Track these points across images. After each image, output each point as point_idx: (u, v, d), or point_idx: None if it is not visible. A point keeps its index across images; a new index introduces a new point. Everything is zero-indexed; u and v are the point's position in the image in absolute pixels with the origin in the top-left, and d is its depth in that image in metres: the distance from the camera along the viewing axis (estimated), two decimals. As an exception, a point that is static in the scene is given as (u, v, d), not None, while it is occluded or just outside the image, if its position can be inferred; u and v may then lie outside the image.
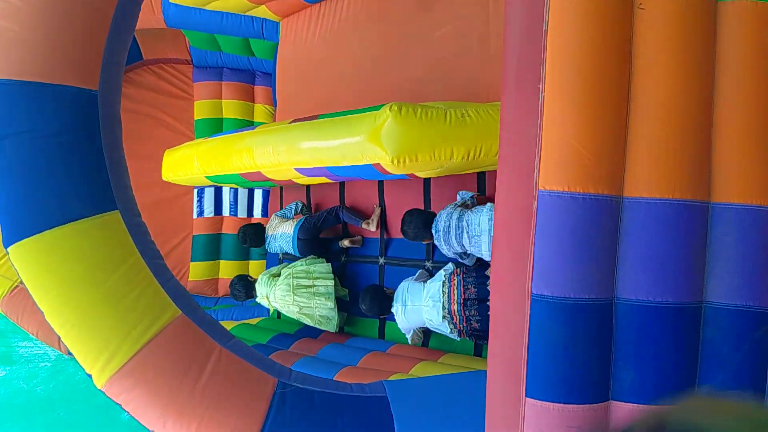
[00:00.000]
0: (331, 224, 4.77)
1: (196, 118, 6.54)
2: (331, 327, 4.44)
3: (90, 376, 2.39)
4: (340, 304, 4.59)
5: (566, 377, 1.77)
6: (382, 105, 3.30)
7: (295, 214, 5.13)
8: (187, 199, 6.63)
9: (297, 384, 2.64)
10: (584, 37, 1.69)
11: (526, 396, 1.78)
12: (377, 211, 4.50)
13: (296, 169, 3.95)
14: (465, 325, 3.24)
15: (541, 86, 1.69)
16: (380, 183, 4.50)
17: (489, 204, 3.39)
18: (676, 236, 1.74)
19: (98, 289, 2.33)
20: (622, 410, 1.80)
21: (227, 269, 6.48)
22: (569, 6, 1.66)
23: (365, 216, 4.64)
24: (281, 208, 5.52)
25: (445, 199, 4.08)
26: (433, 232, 3.57)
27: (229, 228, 6.64)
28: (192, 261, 6.57)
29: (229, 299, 6.37)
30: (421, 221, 3.68)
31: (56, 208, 2.37)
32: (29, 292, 2.47)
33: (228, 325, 5.24)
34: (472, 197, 3.68)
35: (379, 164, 3.41)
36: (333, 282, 4.41)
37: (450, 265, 3.52)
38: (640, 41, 1.72)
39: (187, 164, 4.92)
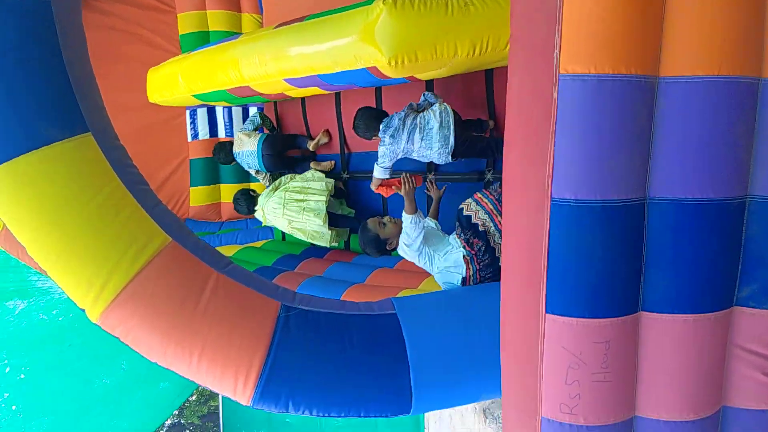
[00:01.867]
0: (290, 141, 4.81)
1: (180, 33, 6.09)
2: (324, 242, 4.33)
3: (83, 311, 2.30)
4: (346, 221, 4.42)
5: (591, 289, 1.57)
6: (374, -1, 2.93)
7: (255, 128, 5.03)
8: (180, 122, 6.34)
9: (301, 306, 2.53)
10: None
11: (546, 312, 1.60)
12: (320, 134, 4.60)
13: (285, 79, 3.63)
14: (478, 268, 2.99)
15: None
16: (378, 91, 4.18)
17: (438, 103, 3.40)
18: (721, 119, 1.47)
19: (79, 217, 2.18)
20: (656, 322, 1.62)
21: (228, 193, 6.28)
22: None
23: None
24: (278, 122, 5.26)
25: (449, 101, 3.76)
26: (382, 126, 3.49)
27: (228, 151, 6.39)
28: (192, 186, 6.38)
29: (234, 224, 6.25)
30: (372, 114, 3.61)
31: (22, 133, 2.16)
32: (7, 227, 2.32)
33: (232, 249, 5.12)
34: (434, 96, 3.53)
35: (375, 68, 3.10)
36: (325, 198, 4.24)
37: (460, 251, 2.97)
38: None
39: (172, 83, 4.60)
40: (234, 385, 2.21)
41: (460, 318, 2.71)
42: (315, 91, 4.00)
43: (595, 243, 1.54)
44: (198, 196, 6.36)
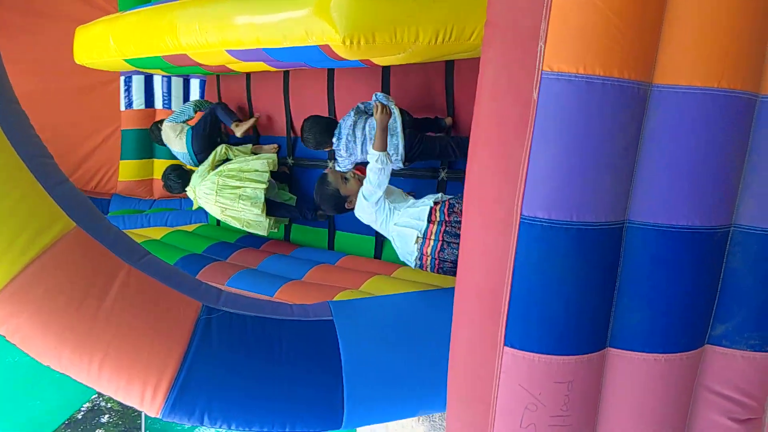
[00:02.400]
0: (218, 126, 4.39)
1: (119, -3, 5.57)
2: (262, 230, 3.96)
3: None
4: (285, 210, 4.09)
5: (558, 321, 1.38)
6: (333, -32, 2.64)
7: (185, 120, 4.58)
8: (113, 88, 5.82)
9: (226, 308, 2.29)
10: None
11: (504, 344, 1.39)
12: (252, 120, 4.29)
13: (228, 51, 3.29)
14: (434, 270, 2.67)
15: None
16: (330, 73, 3.88)
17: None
18: (715, 138, 1.30)
19: None
20: (623, 360, 1.44)
21: (162, 169, 5.85)
22: None
23: (240, 117, 4.37)
24: (219, 101, 4.83)
25: (406, 92, 3.52)
26: (335, 140, 3.35)
27: (166, 123, 5.94)
28: (122, 159, 5.89)
29: (166, 203, 5.81)
30: (322, 126, 3.44)
31: None
32: None
33: (160, 231, 4.73)
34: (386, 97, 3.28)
35: (327, 46, 2.81)
36: (264, 186, 3.85)
37: (428, 204, 2.61)
38: None
39: (102, 44, 4.14)
40: (141, 396, 1.96)
41: (403, 328, 2.52)
42: (261, 66, 3.66)
43: (567, 270, 1.34)
44: (128, 171, 5.89)
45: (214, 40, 3.26)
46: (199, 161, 4.31)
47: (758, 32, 1.28)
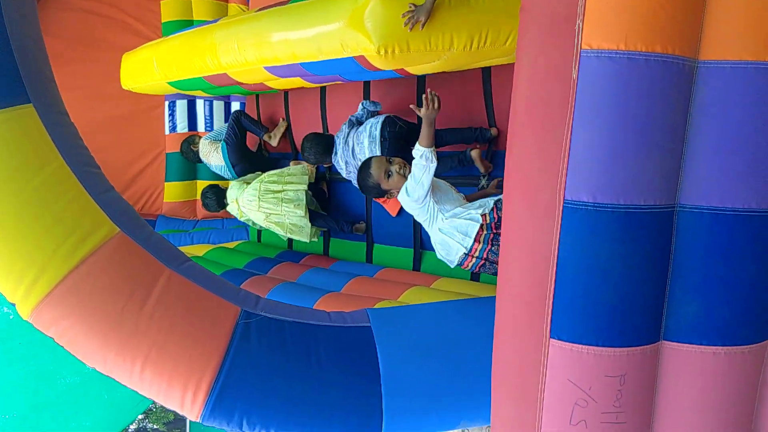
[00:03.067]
0: (245, 132, 4.58)
1: (163, 21, 5.81)
2: (305, 236, 4.02)
3: (14, 305, 2.06)
4: (323, 219, 4.12)
5: (607, 311, 1.31)
6: (366, -21, 2.68)
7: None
8: (158, 113, 6.04)
9: (264, 313, 2.30)
10: None
11: (551, 336, 1.33)
12: (282, 124, 4.32)
13: (266, 68, 3.36)
14: (476, 269, 2.61)
15: None
16: (366, 85, 3.91)
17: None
18: (768, 115, 1.22)
19: (10, 199, 1.93)
20: (680, 354, 1.36)
21: (205, 189, 5.99)
22: None
23: (268, 128, 4.49)
24: (258, 116, 4.96)
25: (444, 102, 3.50)
26: (333, 156, 3.48)
27: (208, 145, 6.11)
28: (166, 181, 6.07)
29: (209, 223, 5.94)
30: (322, 146, 3.54)
31: (-53, 99, 1.94)
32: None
33: (203, 248, 4.82)
34: (373, 111, 3.44)
35: (363, 57, 2.84)
36: (305, 187, 3.89)
37: (476, 221, 2.52)
38: None
39: (147, 69, 4.31)
40: (181, 399, 1.97)
41: (443, 336, 2.47)
42: (298, 83, 3.73)
43: (615, 255, 1.28)
44: (173, 192, 6.05)
45: (252, 57, 3.34)
46: (237, 173, 4.43)
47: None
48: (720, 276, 1.31)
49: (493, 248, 2.46)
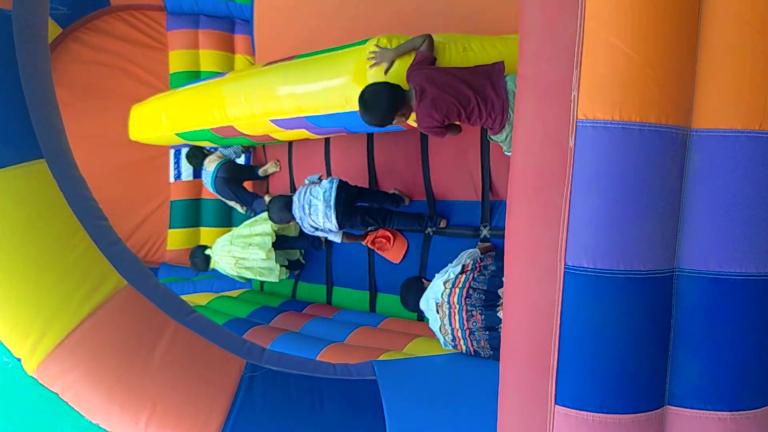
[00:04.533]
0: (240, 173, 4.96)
1: (171, 71, 5.96)
2: (273, 277, 4.29)
3: (20, 361, 2.05)
4: (294, 240, 4.40)
5: (612, 377, 1.31)
6: (368, 39, 2.77)
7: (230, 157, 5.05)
8: (163, 161, 6.13)
9: (270, 366, 2.31)
10: None
11: (555, 403, 1.32)
12: (274, 165, 4.83)
13: (272, 120, 3.44)
14: (472, 351, 2.59)
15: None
16: (370, 137, 3.98)
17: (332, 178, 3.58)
18: (763, 181, 1.25)
19: (24, 249, 1.96)
20: (684, 420, 1.35)
21: (208, 237, 6.00)
22: None
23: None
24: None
25: (445, 153, 3.56)
26: (293, 214, 3.69)
27: (210, 193, 6.16)
28: (170, 228, 6.11)
29: (213, 271, 5.94)
30: (282, 203, 3.76)
31: (-39, 155, 1.98)
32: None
33: (206, 297, 4.81)
34: (319, 177, 3.73)
35: (366, 111, 2.90)
36: (271, 232, 4.16)
37: (455, 270, 2.62)
38: None
39: (155, 121, 4.41)
40: None
41: (450, 390, 2.44)
42: (302, 134, 3.81)
43: (617, 321, 1.28)
44: (176, 240, 6.08)
45: (258, 110, 3.43)
46: (215, 185, 4.79)
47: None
48: (722, 340, 1.31)
49: (481, 348, 2.51)
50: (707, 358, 1.32)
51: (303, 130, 3.62)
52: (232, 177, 4.76)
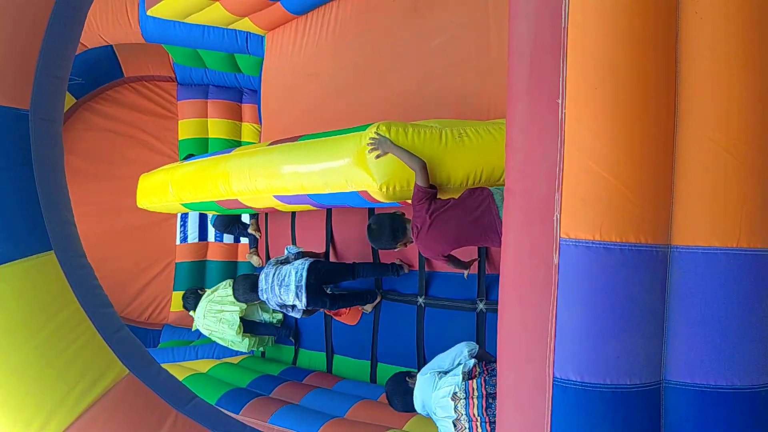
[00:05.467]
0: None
1: (180, 138, 6.18)
2: (243, 348, 4.54)
3: None
4: (264, 328, 4.60)
5: (601, 491, 1.32)
6: (369, 125, 2.89)
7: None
8: (170, 224, 6.26)
9: None
10: (616, 35, 1.27)
11: None
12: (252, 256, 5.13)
13: (275, 196, 3.54)
14: None
15: (560, 100, 1.27)
16: (371, 210, 4.07)
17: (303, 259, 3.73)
18: (743, 296, 1.30)
19: (27, 344, 1.97)
20: None
21: (212, 300, 6.04)
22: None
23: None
24: (266, 233, 5.18)
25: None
26: (259, 291, 3.83)
27: (215, 255, 6.25)
28: (174, 290, 6.16)
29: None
30: (248, 284, 3.96)
31: (-29, 249, 2.02)
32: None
33: (207, 363, 4.79)
34: (297, 253, 3.87)
35: (366, 192, 2.99)
36: (237, 310, 4.38)
37: (458, 374, 2.45)
38: (688, 39, 1.30)
39: (162, 191, 4.52)
40: None
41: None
42: (305, 207, 3.90)
43: (604, 434, 1.31)
44: (180, 302, 6.11)
45: (262, 186, 3.52)
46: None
47: (770, 190, 1.33)
48: (711, 453, 1.33)
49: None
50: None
51: (306, 205, 3.72)
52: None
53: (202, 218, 6.21)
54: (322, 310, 4.04)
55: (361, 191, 3.01)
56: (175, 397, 2.23)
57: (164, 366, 3.84)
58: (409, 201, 3.17)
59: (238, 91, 6.19)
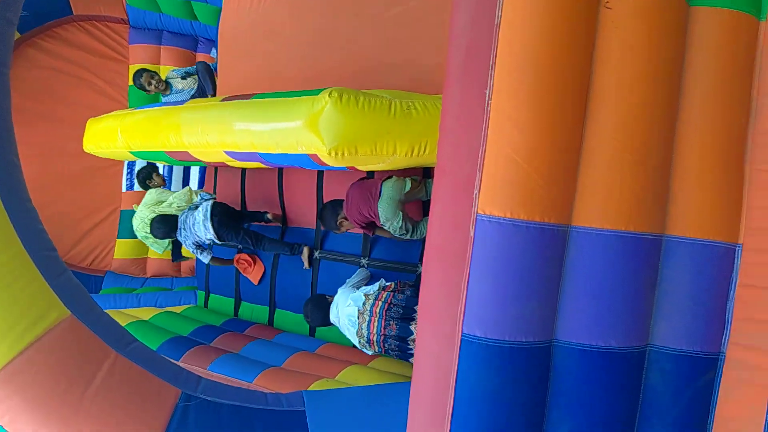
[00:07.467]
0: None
1: (130, 84, 6.02)
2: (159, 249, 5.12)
3: None
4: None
5: (495, 429, 1.54)
6: (322, 90, 2.97)
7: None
8: (116, 170, 6.16)
9: (204, 396, 2.39)
10: (542, 36, 1.43)
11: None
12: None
13: (226, 152, 3.59)
14: (382, 351, 3.10)
15: (488, 92, 1.43)
16: (320, 173, 4.19)
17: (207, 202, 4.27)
18: (626, 272, 1.53)
19: None
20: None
21: (157, 249, 6.05)
22: (526, -1, 1.39)
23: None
24: (215, 186, 5.19)
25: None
26: (177, 232, 4.38)
27: (161, 205, 6.21)
28: (118, 238, 6.12)
29: (158, 281, 5.98)
30: (169, 226, 4.42)
31: None
32: None
33: (150, 311, 4.85)
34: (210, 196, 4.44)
35: (316, 155, 3.10)
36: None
37: (376, 286, 3.21)
38: (604, 46, 1.48)
39: (111, 137, 4.46)
40: None
41: (374, 421, 2.62)
42: (256, 165, 3.97)
43: (499, 383, 1.53)
44: (124, 249, 6.09)
45: (213, 141, 3.56)
46: None
47: (660, 182, 1.55)
48: (586, 401, 1.57)
49: (391, 348, 3.01)
50: (573, 416, 1.58)
51: (256, 162, 3.79)
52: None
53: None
54: (227, 264, 4.59)
55: (311, 154, 3.12)
56: (114, 340, 2.30)
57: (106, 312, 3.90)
58: (358, 166, 3.32)
59: (193, 39, 6.06)
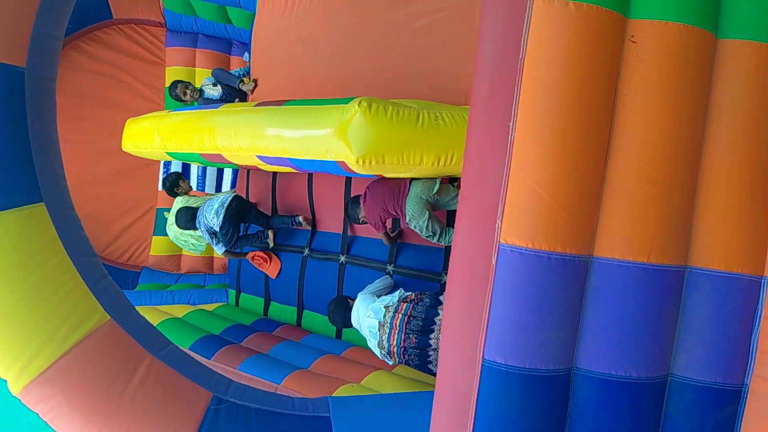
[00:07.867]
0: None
1: (167, 86, 6.17)
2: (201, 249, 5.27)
3: (5, 381, 2.22)
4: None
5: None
6: (352, 99, 3.02)
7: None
8: (152, 170, 6.35)
9: (234, 399, 2.48)
10: (565, 71, 1.44)
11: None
12: (250, 84, 5.23)
13: (258, 156, 3.67)
14: (402, 361, 3.14)
15: (512, 123, 1.44)
16: (348, 180, 4.24)
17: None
18: (648, 303, 1.54)
19: (17, 288, 2.12)
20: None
21: (191, 245, 6.21)
22: (550, 33, 1.40)
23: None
24: (247, 188, 5.29)
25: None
26: (197, 224, 4.61)
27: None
28: (154, 235, 6.32)
29: (191, 278, 6.15)
30: (189, 215, 4.63)
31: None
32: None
33: (183, 309, 5.00)
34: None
35: (344, 162, 3.15)
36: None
37: (396, 296, 3.24)
38: (627, 80, 1.48)
39: (148, 137, 4.60)
40: None
41: (395, 428, 2.67)
42: (287, 169, 4.05)
43: (519, 409, 1.55)
44: (159, 246, 6.28)
45: (246, 145, 3.65)
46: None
47: (682, 215, 1.55)
48: (605, 428, 1.59)
49: (411, 359, 3.05)
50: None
51: (287, 167, 3.87)
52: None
53: (185, 166, 6.30)
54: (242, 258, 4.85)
55: (339, 161, 3.17)
56: (151, 343, 2.40)
57: (141, 308, 4.06)
58: (385, 174, 3.36)
59: (227, 42, 6.18)
